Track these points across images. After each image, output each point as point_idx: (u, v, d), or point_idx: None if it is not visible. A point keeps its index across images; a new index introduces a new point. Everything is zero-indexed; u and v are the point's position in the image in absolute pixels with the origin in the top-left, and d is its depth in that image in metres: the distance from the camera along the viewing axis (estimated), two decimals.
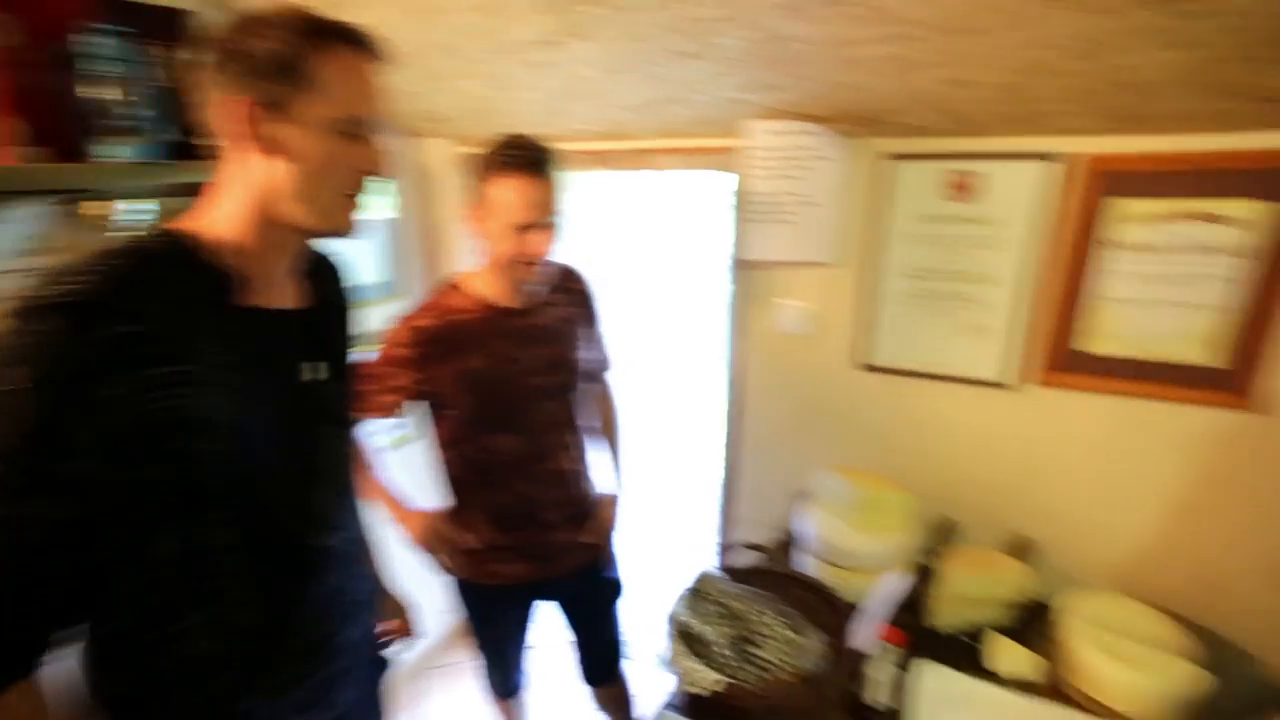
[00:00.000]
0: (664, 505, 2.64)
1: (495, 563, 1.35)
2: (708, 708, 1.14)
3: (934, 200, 1.43)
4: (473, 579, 1.38)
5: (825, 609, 1.34)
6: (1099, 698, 1.23)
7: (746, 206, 1.56)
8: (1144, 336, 1.32)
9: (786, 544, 1.75)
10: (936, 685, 1.28)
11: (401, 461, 1.69)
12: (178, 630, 0.73)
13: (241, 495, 0.73)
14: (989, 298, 1.43)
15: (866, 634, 1.16)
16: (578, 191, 1.54)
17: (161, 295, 0.67)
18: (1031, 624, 1.42)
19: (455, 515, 1.35)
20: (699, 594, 1.30)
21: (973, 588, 1.40)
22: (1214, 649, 1.30)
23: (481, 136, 1.22)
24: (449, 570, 1.39)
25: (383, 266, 1.93)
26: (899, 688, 1.21)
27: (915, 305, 1.51)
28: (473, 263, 1.30)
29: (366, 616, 1.00)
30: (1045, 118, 1.25)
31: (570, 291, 1.35)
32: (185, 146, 1.20)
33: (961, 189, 1.40)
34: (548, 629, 1.59)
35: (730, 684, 1.11)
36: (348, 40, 0.72)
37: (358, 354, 0.97)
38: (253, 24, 0.69)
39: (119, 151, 1.13)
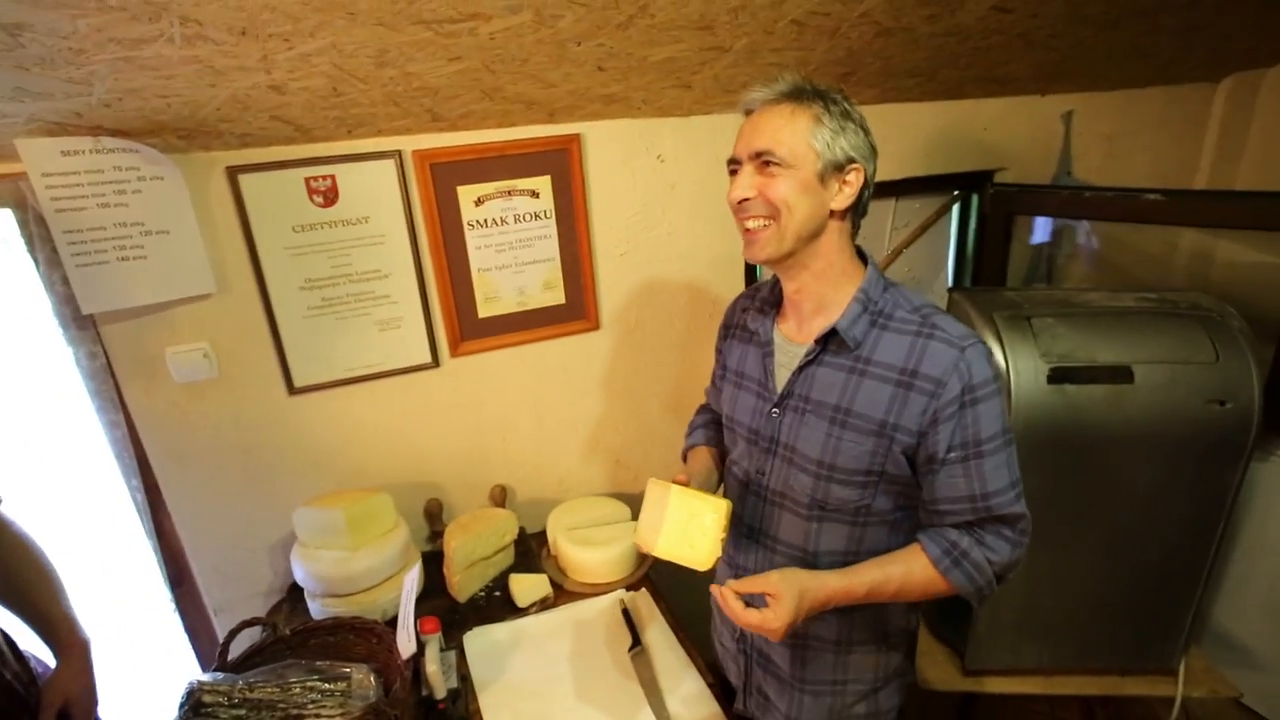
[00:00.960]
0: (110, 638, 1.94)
1: None
2: None
3: (302, 209, 1.40)
4: None
5: (358, 639, 1.28)
6: (588, 580, 1.55)
7: (69, 248, 1.20)
8: (514, 293, 1.63)
9: (293, 596, 1.56)
10: (482, 645, 1.39)
11: None
12: None
13: None
14: (391, 292, 1.51)
15: (407, 638, 1.15)
16: None
17: None
18: (534, 551, 1.68)
19: None
20: (200, 710, 1.06)
21: (478, 549, 1.54)
22: (639, 504, 1.80)
23: None
24: None
25: None
26: (454, 667, 1.26)
27: (324, 315, 1.48)
28: None
29: None
30: (373, 119, 1.34)
31: None
32: None
33: (324, 194, 1.41)
34: None
35: None
36: None
37: None
38: None
39: None
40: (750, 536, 1.07)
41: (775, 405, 1.00)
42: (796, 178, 0.87)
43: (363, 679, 1.18)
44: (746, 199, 0.90)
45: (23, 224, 1.23)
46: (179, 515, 1.49)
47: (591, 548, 1.55)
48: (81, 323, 1.29)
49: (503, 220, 1.55)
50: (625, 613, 1.44)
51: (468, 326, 1.60)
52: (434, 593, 1.54)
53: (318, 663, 1.21)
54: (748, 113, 0.94)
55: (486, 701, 1.25)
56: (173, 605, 1.55)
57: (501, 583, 1.57)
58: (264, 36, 1.00)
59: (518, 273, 1.61)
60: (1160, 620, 1.52)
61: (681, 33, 1.25)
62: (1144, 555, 1.46)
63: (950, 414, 0.86)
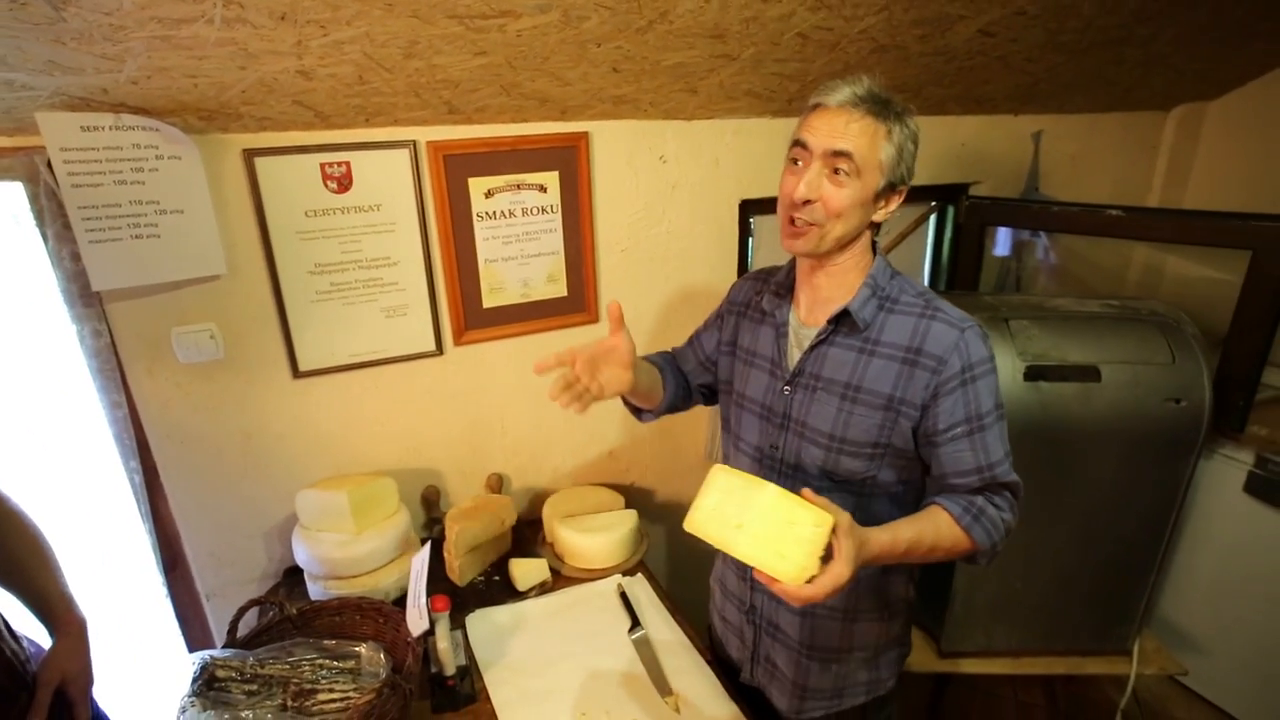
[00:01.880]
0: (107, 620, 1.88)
1: None
2: None
3: (316, 194, 1.41)
4: None
5: (364, 619, 1.30)
6: (585, 565, 1.59)
7: (84, 224, 1.20)
8: (519, 285, 1.67)
9: (289, 580, 1.56)
10: (484, 627, 1.42)
11: None
12: None
13: None
14: (399, 279, 1.54)
15: (419, 616, 1.17)
16: None
17: None
18: (530, 538, 1.71)
19: None
20: (214, 684, 1.08)
21: (478, 534, 1.57)
22: (632, 494, 1.85)
23: None
24: None
25: None
26: (460, 646, 1.29)
27: (331, 300, 1.49)
28: None
29: None
30: (392, 109, 1.37)
31: None
32: None
33: (339, 180, 1.43)
34: None
35: None
36: None
37: None
38: None
39: None
40: None
41: (788, 383, 1.05)
42: (861, 191, 0.90)
43: (372, 656, 1.20)
44: (809, 201, 0.91)
45: (33, 198, 1.22)
46: (176, 499, 1.48)
47: (589, 533, 1.60)
48: (88, 300, 1.28)
49: (511, 213, 1.59)
50: (623, 596, 1.49)
51: (472, 316, 1.63)
52: (432, 577, 1.55)
53: (325, 641, 1.23)
54: (817, 105, 0.92)
55: (492, 679, 1.28)
56: (164, 590, 1.53)
57: (500, 568, 1.60)
58: (302, 22, 1.03)
59: (523, 265, 1.64)
60: (1118, 604, 1.64)
61: (695, 39, 1.32)
62: (1107, 543, 1.58)
63: (951, 389, 0.93)
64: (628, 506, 1.74)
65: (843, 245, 0.97)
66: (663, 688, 1.24)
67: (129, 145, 1.19)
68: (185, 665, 1.11)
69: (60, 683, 1.05)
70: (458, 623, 1.42)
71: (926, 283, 2.32)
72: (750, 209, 1.88)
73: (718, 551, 1.08)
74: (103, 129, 1.17)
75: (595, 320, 1.77)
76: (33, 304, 1.39)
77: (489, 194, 1.56)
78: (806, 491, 0.84)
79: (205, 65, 1.09)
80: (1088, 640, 1.68)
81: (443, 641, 1.23)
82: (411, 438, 1.67)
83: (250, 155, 1.34)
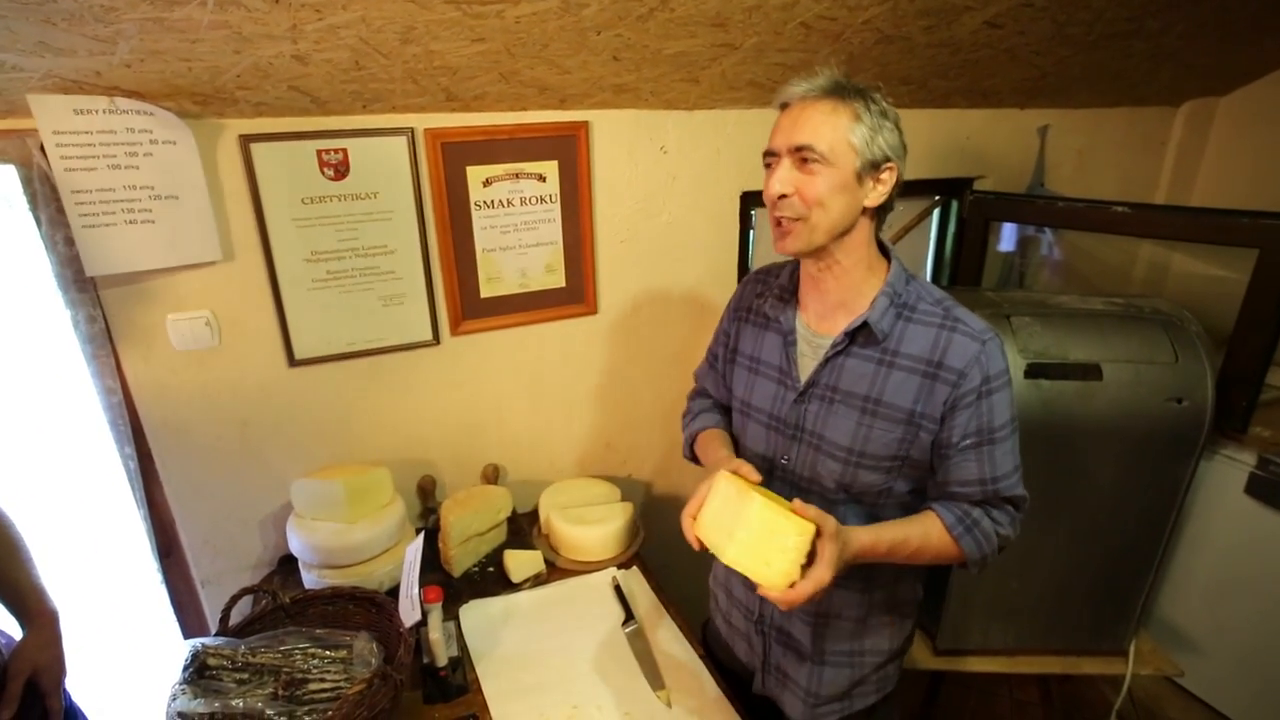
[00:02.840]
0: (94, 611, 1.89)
1: None
2: None
3: (312, 181, 1.40)
4: None
5: (357, 609, 1.29)
6: (581, 558, 1.59)
7: (77, 209, 1.19)
8: (517, 275, 1.66)
9: (284, 569, 1.56)
10: (478, 618, 1.42)
11: None
12: None
13: None
14: (396, 268, 1.52)
15: (411, 606, 1.17)
16: None
17: None
18: (525, 530, 1.71)
19: None
20: (205, 672, 1.07)
21: (473, 525, 1.56)
22: (629, 487, 1.85)
23: None
24: None
25: None
26: (454, 637, 1.29)
27: (328, 288, 1.48)
28: None
29: None
30: (389, 95, 1.36)
31: None
32: None
33: (336, 167, 1.42)
34: None
35: None
36: None
37: None
38: None
39: None
40: None
41: (800, 393, 1.02)
42: (835, 175, 0.89)
43: (364, 646, 1.20)
44: (784, 195, 0.91)
45: (26, 181, 1.21)
46: (171, 485, 1.48)
47: (585, 526, 1.59)
48: (82, 285, 1.28)
49: (509, 202, 1.58)
50: (618, 589, 1.48)
51: (470, 306, 1.62)
52: (427, 567, 1.55)
53: (318, 631, 1.23)
54: (783, 106, 0.94)
55: (485, 671, 1.28)
56: (160, 576, 1.53)
57: (495, 559, 1.60)
58: (296, 6, 1.01)
59: (521, 254, 1.63)
60: (1115, 604, 1.63)
61: (697, 28, 1.30)
62: (1105, 542, 1.56)
63: (968, 402, 0.91)
64: (624, 499, 1.73)
65: (837, 237, 0.93)
66: (655, 681, 1.24)
67: (123, 129, 1.18)
68: (178, 652, 1.11)
69: (32, 674, 1.05)
70: (451, 613, 1.41)
71: (929, 277, 2.30)
72: (752, 201, 1.86)
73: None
74: (96, 112, 1.15)
75: (594, 312, 1.76)
76: (26, 289, 1.38)
77: (487, 183, 1.54)
78: (796, 502, 0.87)
79: (199, 49, 1.07)
80: (1084, 640, 1.68)
81: (435, 632, 1.23)
82: (408, 427, 1.67)
83: (246, 141, 1.32)
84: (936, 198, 2.19)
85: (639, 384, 1.89)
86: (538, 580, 1.54)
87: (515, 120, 1.53)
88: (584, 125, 1.58)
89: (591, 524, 1.60)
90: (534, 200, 1.60)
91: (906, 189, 2.11)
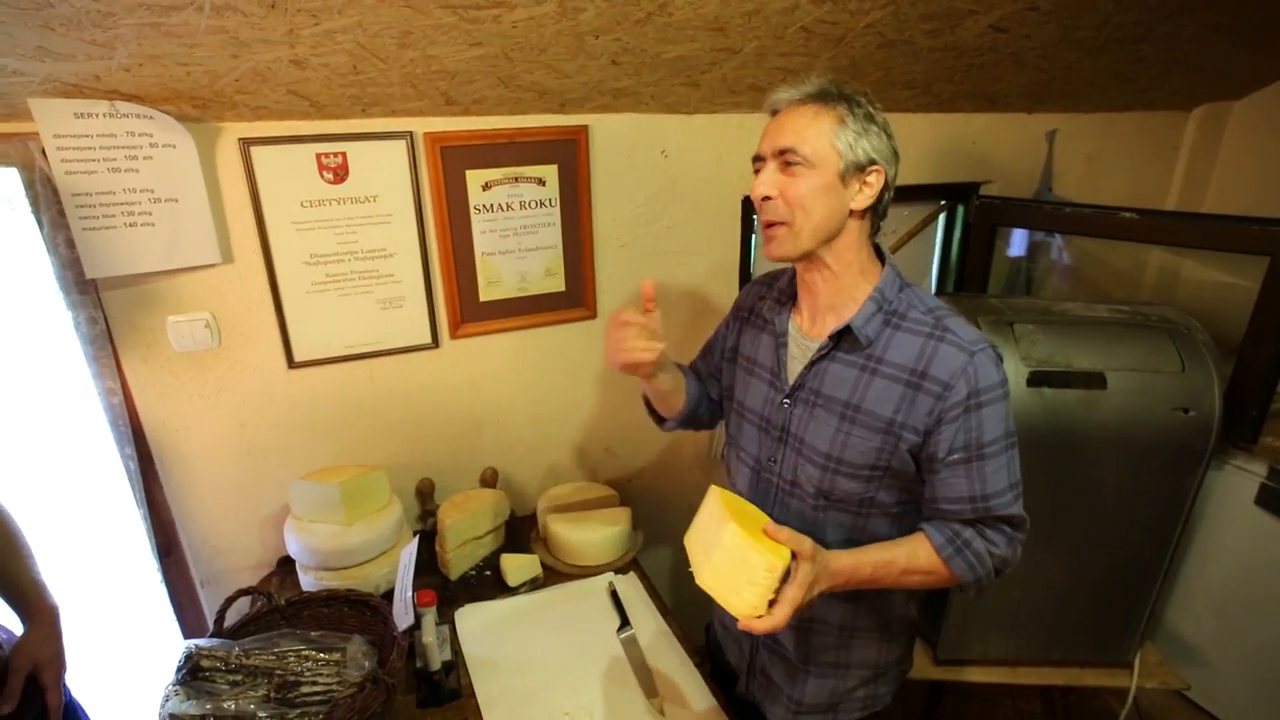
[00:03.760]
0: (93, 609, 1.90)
1: None
2: None
3: (312, 184, 1.41)
4: None
5: (353, 612, 1.29)
6: (578, 562, 1.59)
7: (78, 211, 1.20)
8: (516, 279, 1.66)
9: (283, 570, 1.57)
10: (473, 622, 1.42)
11: None
12: None
13: None
14: (395, 271, 1.53)
15: (404, 610, 1.17)
16: None
17: None
18: (523, 534, 1.71)
19: None
20: (198, 674, 1.08)
21: (471, 528, 1.56)
22: (627, 492, 1.84)
23: None
24: None
25: None
26: (447, 641, 1.28)
27: (327, 291, 1.48)
28: None
29: None
30: (388, 99, 1.36)
31: None
32: None
33: (335, 171, 1.42)
34: None
35: None
36: None
37: None
38: None
39: None
40: None
41: (786, 396, 1.02)
42: (818, 178, 0.89)
43: (358, 650, 1.20)
44: (768, 197, 0.92)
45: (28, 184, 1.22)
46: (171, 486, 1.49)
47: (582, 530, 1.59)
48: (83, 287, 1.29)
49: (508, 206, 1.58)
50: (614, 594, 1.48)
51: (469, 309, 1.62)
52: (424, 570, 1.56)
53: (312, 633, 1.23)
54: (773, 112, 0.96)
55: (478, 676, 1.28)
56: (160, 576, 1.54)
57: (492, 562, 1.59)
58: (292, 11, 1.02)
59: (520, 258, 1.63)
60: (1119, 615, 1.61)
61: (696, 32, 1.30)
62: (1109, 553, 1.54)
63: (954, 416, 0.88)
64: (622, 504, 1.72)
65: (825, 242, 0.93)
66: (649, 689, 1.23)
67: (123, 133, 1.19)
68: (176, 652, 1.12)
69: (33, 669, 1.06)
70: (447, 617, 1.41)
71: (934, 283, 2.28)
72: (753, 206, 1.85)
73: None
74: (97, 116, 1.16)
75: (593, 316, 1.76)
76: (28, 290, 1.39)
77: (486, 186, 1.54)
78: (769, 526, 0.86)
79: (197, 53, 1.08)
80: (1088, 651, 1.65)
81: (428, 636, 1.23)
82: (406, 430, 1.67)
83: (246, 144, 1.33)
84: (942, 203, 2.17)
85: (638, 389, 1.88)
86: (534, 584, 1.53)
87: (515, 124, 1.53)
88: (583, 129, 1.58)
89: (589, 529, 1.59)
90: (533, 204, 1.60)
91: (911, 194, 2.11)
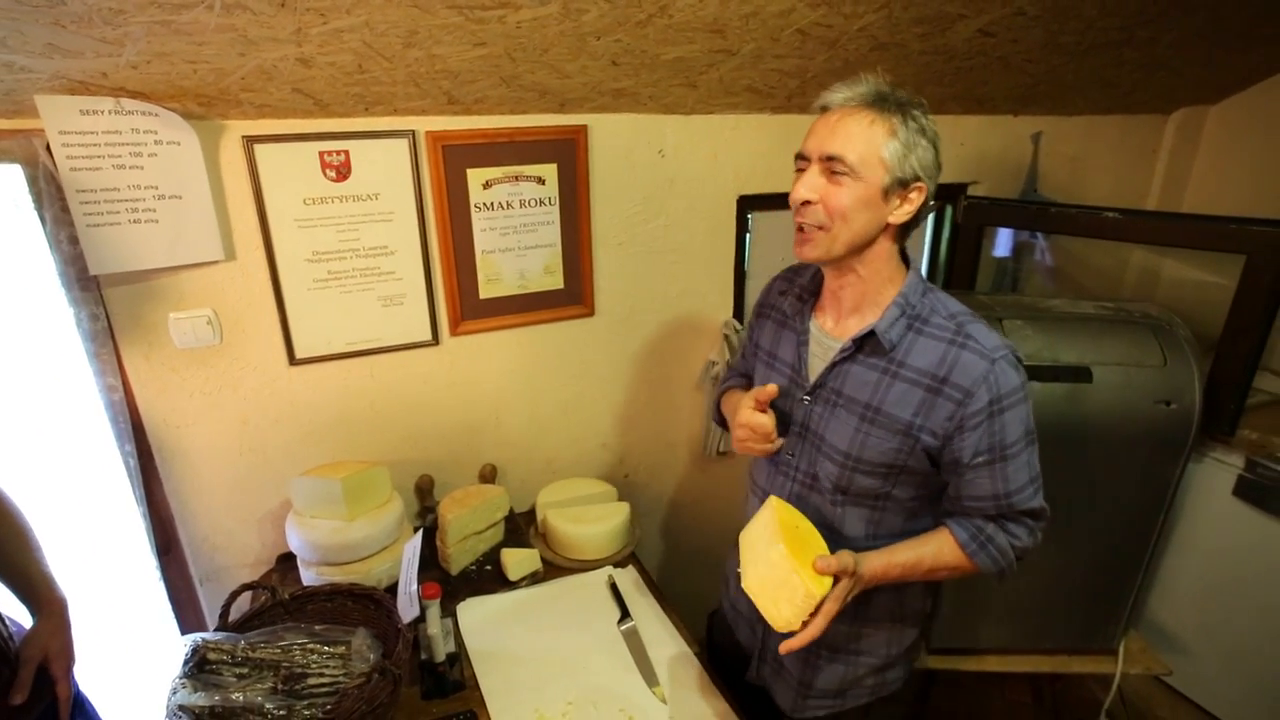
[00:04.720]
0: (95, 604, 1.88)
1: None
2: None
3: (314, 182, 1.41)
4: None
5: (356, 605, 1.31)
6: (577, 556, 1.61)
7: (82, 208, 1.20)
8: (515, 276, 1.68)
9: (283, 566, 1.57)
10: (475, 615, 1.43)
11: None
12: None
13: None
14: (396, 268, 1.54)
15: (409, 602, 1.19)
16: None
17: None
18: (522, 529, 1.72)
19: None
20: (205, 666, 1.09)
21: (472, 523, 1.58)
22: (625, 487, 1.86)
23: None
24: None
25: None
26: (451, 634, 1.30)
27: (329, 288, 1.49)
28: None
29: None
30: (391, 98, 1.37)
31: None
32: None
33: (338, 169, 1.43)
34: None
35: None
36: None
37: None
38: None
39: None
40: None
41: (808, 393, 1.03)
42: (862, 190, 0.88)
43: (362, 642, 1.21)
44: (808, 202, 0.91)
45: (31, 181, 1.22)
46: (171, 483, 1.49)
47: (581, 525, 1.61)
48: (85, 283, 1.29)
49: (508, 204, 1.60)
50: (613, 587, 1.50)
51: (469, 306, 1.64)
52: (424, 565, 1.56)
53: (316, 627, 1.24)
54: (823, 109, 0.93)
55: (481, 668, 1.29)
56: (158, 573, 1.54)
57: (492, 557, 1.61)
58: (301, 10, 1.03)
59: (520, 256, 1.65)
60: (1105, 603, 1.66)
61: (695, 34, 1.32)
62: (1095, 543, 1.59)
63: (977, 422, 0.90)
64: (621, 499, 1.75)
65: (857, 251, 0.93)
66: (650, 678, 1.25)
67: (128, 130, 1.20)
68: (177, 648, 1.12)
69: (42, 661, 1.06)
70: (448, 611, 1.43)
71: None
72: (748, 205, 1.88)
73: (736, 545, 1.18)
74: (102, 113, 1.17)
75: (591, 313, 1.78)
76: (30, 287, 1.39)
77: (487, 185, 1.56)
78: (818, 563, 0.89)
79: (205, 51, 1.09)
80: (1074, 640, 1.70)
81: (433, 629, 1.24)
82: (406, 426, 1.68)
83: (250, 142, 1.34)
84: (931, 203, 2.21)
85: (636, 385, 1.91)
86: (534, 578, 1.55)
87: (515, 123, 1.55)
88: (583, 129, 1.60)
89: (588, 523, 1.61)
90: (533, 203, 1.62)
91: None
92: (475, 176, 1.55)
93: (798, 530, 0.94)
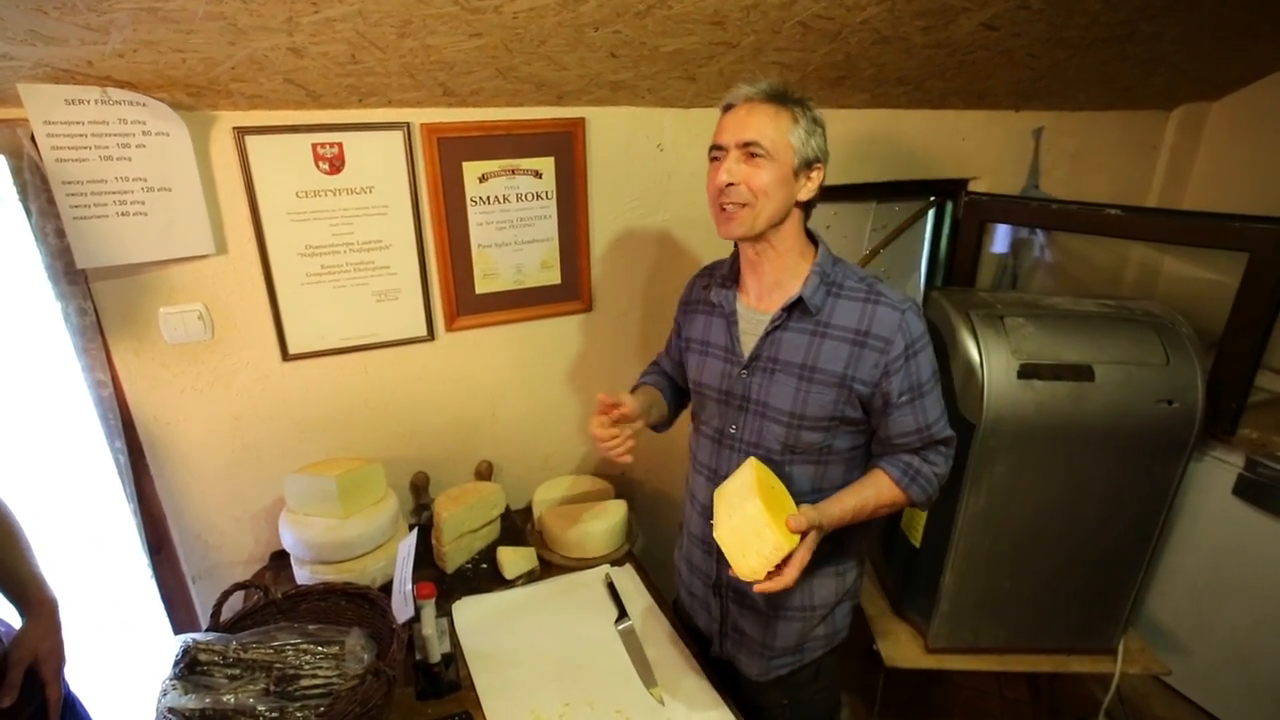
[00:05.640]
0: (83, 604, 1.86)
1: None
2: None
3: (307, 175, 1.39)
4: None
5: (350, 605, 1.29)
6: (574, 555, 1.59)
7: (68, 200, 1.18)
8: (512, 271, 1.65)
9: (276, 564, 1.55)
10: (472, 615, 1.42)
11: None
12: None
13: None
14: (391, 263, 1.52)
15: (404, 602, 1.17)
16: None
17: None
18: (518, 527, 1.71)
19: None
20: (196, 668, 1.07)
21: (466, 522, 1.56)
22: (622, 485, 1.85)
23: None
24: None
25: None
26: (446, 633, 1.28)
27: (322, 283, 1.47)
28: None
29: None
30: (385, 89, 1.35)
31: None
32: None
33: (331, 161, 1.41)
34: None
35: None
36: None
37: None
38: None
39: None
40: None
41: (744, 367, 1.13)
42: (777, 170, 1.01)
43: (356, 643, 1.19)
44: (731, 184, 1.02)
45: (16, 172, 1.20)
46: (162, 480, 1.47)
47: (578, 523, 1.59)
48: (73, 277, 1.26)
49: (505, 198, 1.58)
50: (610, 586, 1.48)
51: (464, 302, 1.62)
52: (420, 563, 1.55)
53: (310, 626, 1.22)
54: (728, 107, 1.06)
55: (476, 667, 1.28)
56: (150, 572, 1.52)
57: (488, 555, 1.59)
58: None
59: (517, 251, 1.63)
60: (1105, 603, 1.65)
61: (695, 26, 1.30)
62: (1095, 542, 1.58)
63: (899, 366, 1.04)
64: (618, 497, 1.73)
65: (774, 226, 1.05)
66: (648, 679, 1.24)
67: (115, 120, 1.17)
68: (169, 648, 1.10)
69: (32, 662, 1.05)
70: (444, 610, 1.41)
71: (923, 277, 2.31)
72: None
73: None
74: (88, 103, 1.14)
75: (588, 309, 1.76)
76: (16, 281, 1.37)
77: (483, 178, 1.54)
78: (790, 521, 0.99)
79: (193, 40, 1.06)
80: (1074, 639, 1.69)
81: (428, 628, 1.22)
82: (401, 423, 1.66)
83: (241, 133, 1.31)
84: (931, 199, 2.20)
85: (632, 380, 1.89)
86: (531, 577, 1.53)
87: (512, 116, 1.53)
88: (580, 122, 1.58)
89: (585, 521, 1.60)
90: (530, 196, 1.60)
91: (901, 189, 2.13)
92: (471, 170, 1.52)
93: (773, 490, 1.02)
